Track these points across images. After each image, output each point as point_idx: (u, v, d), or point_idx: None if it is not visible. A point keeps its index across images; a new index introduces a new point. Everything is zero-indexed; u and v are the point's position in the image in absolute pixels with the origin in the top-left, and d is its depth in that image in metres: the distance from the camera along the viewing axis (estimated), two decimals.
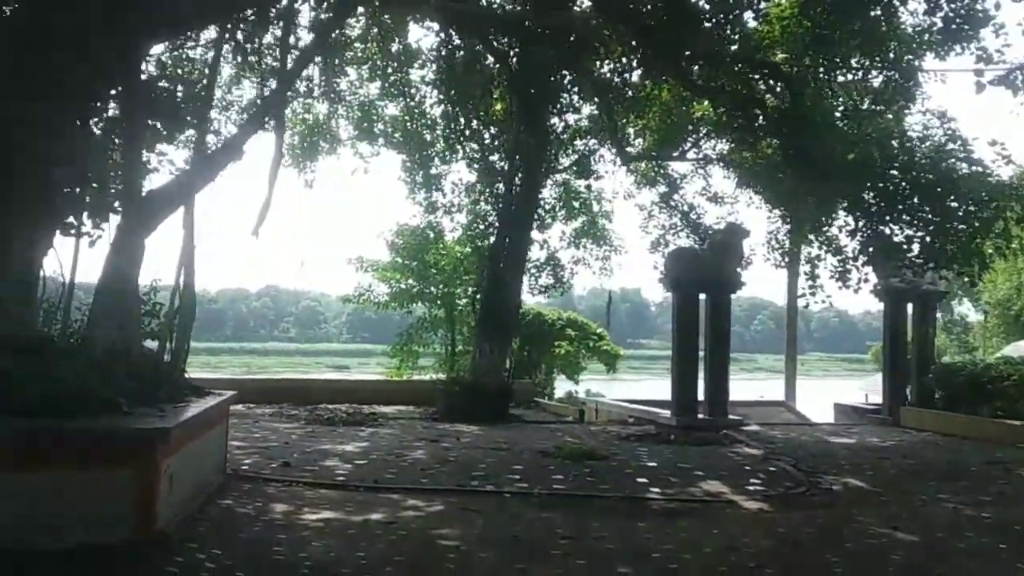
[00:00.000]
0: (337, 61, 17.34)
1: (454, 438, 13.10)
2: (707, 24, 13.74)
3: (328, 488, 8.74)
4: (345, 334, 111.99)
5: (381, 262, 24.86)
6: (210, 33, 13.54)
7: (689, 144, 19.65)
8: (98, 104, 8.97)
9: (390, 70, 19.21)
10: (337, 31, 13.90)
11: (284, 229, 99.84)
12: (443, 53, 17.54)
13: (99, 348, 8.08)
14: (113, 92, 9.25)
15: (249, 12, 10.22)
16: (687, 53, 13.80)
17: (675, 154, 19.87)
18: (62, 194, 8.95)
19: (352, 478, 9.27)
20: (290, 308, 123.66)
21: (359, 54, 18.83)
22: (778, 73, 14.09)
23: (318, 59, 14.28)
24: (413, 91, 19.75)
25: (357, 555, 6.19)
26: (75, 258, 9.13)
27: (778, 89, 15.60)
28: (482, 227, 20.62)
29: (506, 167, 18.47)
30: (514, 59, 17.12)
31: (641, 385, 45.23)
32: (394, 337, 26.14)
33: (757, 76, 15.24)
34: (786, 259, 19.22)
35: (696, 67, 14.81)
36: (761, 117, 14.06)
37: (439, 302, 24.37)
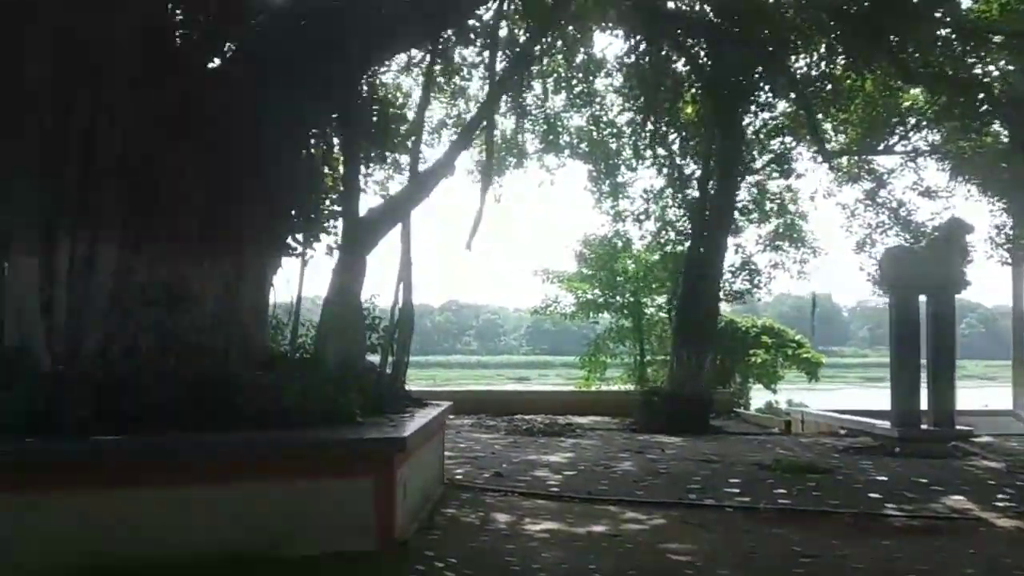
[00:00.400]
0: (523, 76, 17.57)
1: (658, 450, 12.84)
2: (919, 7, 12.80)
3: (544, 499, 8.72)
4: (525, 346, 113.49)
5: (566, 273, 25.00)
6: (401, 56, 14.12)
7: (896, 136, 18.43)
8: (318, 130, 9.45)
9: (575, 81, 19.24)
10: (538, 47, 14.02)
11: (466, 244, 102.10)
12: (631, 59, 17.34)
13: (328, 362, 8.47)
14: (331, 117, 9.73)
15: (450, 32, 10.47)
16: (897, 39, 12.91)
17: (880, 148, 18.73)
18: (287, 216, 9.50)
19: (566, 489, 9.21)
20: (471, 321, 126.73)
21: (544, 68, 19.00)
22: (1003, 53, 12.92)
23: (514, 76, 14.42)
24: (598, 100, 19.70)
25: (590, 567, 6.08)
26: (301, 277, 9.67)
27: (997, 71, 14.41)
28: (672, 234, 20.27)
29: (698, 171, 18.03)
30: (706, 59, 16.68)
31: (839, 394, 42.86)
32: (575, 348, 26.16)
33: (974, 59, 14.11)
34: (1010, 255, 17.62)
35: (903, 54, 13.86)
36: (986, 102, 12.93)
37: (626, 311, 24.17)
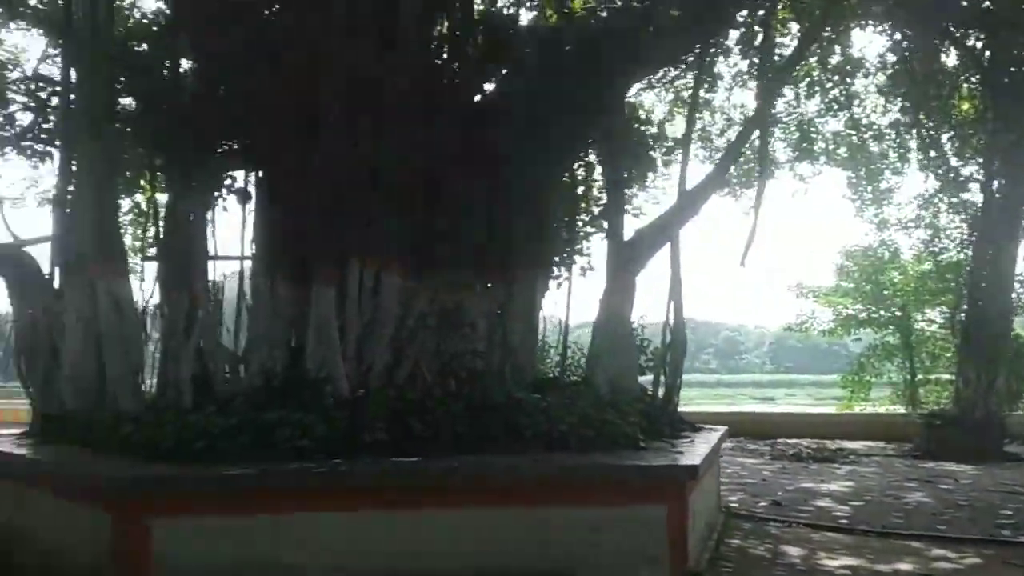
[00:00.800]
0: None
1: (950, 479, 11.68)
2: None
3: (833, 531, 8.13)
4: (768, 364, 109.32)
5: (824, 287, 23.67)
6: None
7: None
8: (581, 152, 9.50)
9: (830, 84, 18.13)
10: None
11: (708, 261, 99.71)
12: (895, 56, 16.08)
13: (599, 385, 8.42)
14: (591, 140, 9.75)
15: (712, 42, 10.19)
16: None
17: None
18: (554, 239, 9.61)
19: (855, 521, 8.55)
20: (710, 339, 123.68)
21: (795, 73, 18.05)
22: None
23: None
24: (858, 102, 18.41)
25: None
26: (568, 299, 9.74)
27: None
28: (947, 242, 18.54)
29: (977, 172, 16.39)
30: (982, 50, 15.15)
31: None
32: (823, 366, 24.70)
33: None
34: None
35: None
36: None
37: (892, 327, 22.43)
